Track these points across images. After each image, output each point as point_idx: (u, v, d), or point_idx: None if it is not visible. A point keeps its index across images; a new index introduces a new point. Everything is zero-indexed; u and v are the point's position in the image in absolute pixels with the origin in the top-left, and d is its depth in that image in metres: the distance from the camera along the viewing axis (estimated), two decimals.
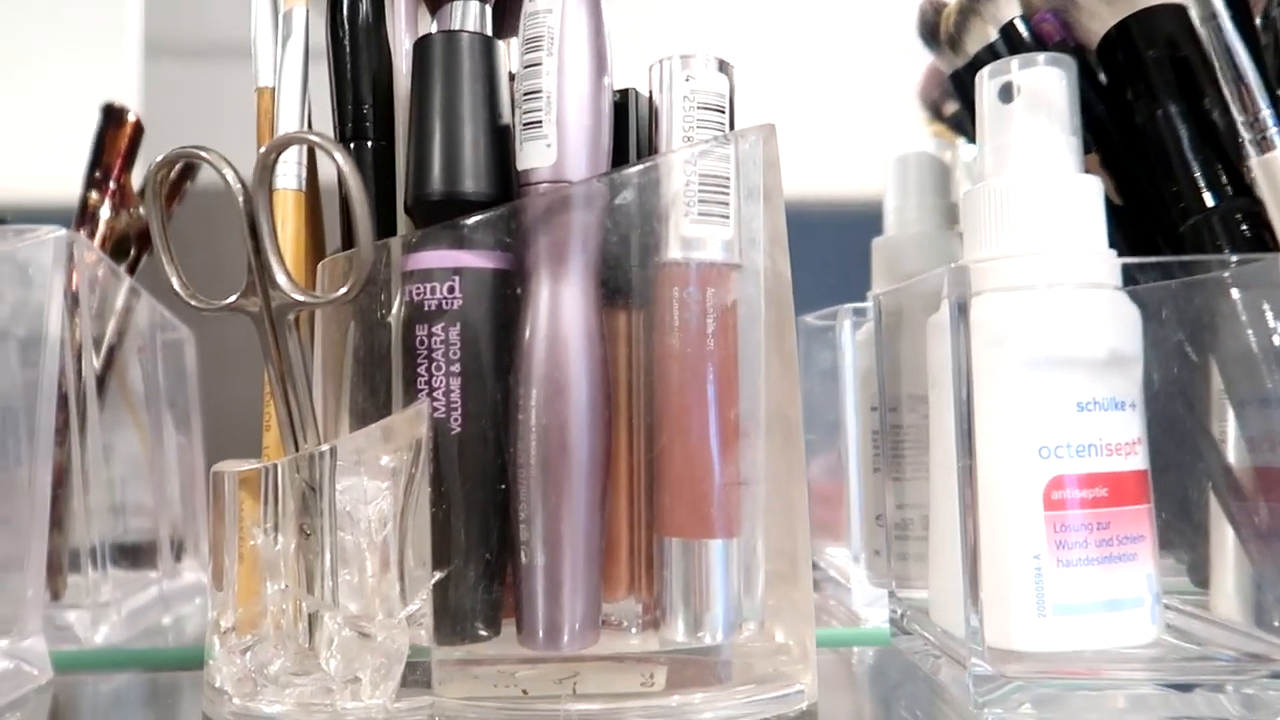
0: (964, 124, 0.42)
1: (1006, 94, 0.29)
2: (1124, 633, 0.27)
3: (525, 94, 0.27)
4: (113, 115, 0.41)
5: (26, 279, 0.31)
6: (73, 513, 0.36)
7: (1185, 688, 0.26)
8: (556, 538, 0.26)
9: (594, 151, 0.27)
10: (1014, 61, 0.29)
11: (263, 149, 0.25)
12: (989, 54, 0.35)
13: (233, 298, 0.26)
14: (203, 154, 0.25)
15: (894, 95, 0.50)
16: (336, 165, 0.24)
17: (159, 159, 0.25)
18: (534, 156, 0.26)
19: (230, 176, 0.25)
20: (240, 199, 0.25)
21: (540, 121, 0.26)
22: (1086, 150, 0.31)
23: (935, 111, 0.46)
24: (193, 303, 0.26)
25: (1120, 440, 0.28)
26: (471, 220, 0.26)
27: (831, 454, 0.42)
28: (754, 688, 0.27)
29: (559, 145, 0.26)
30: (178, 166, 0.42)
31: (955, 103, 0.42)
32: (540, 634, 0.26)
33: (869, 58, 0.54)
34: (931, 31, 0.37)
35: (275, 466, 0.26)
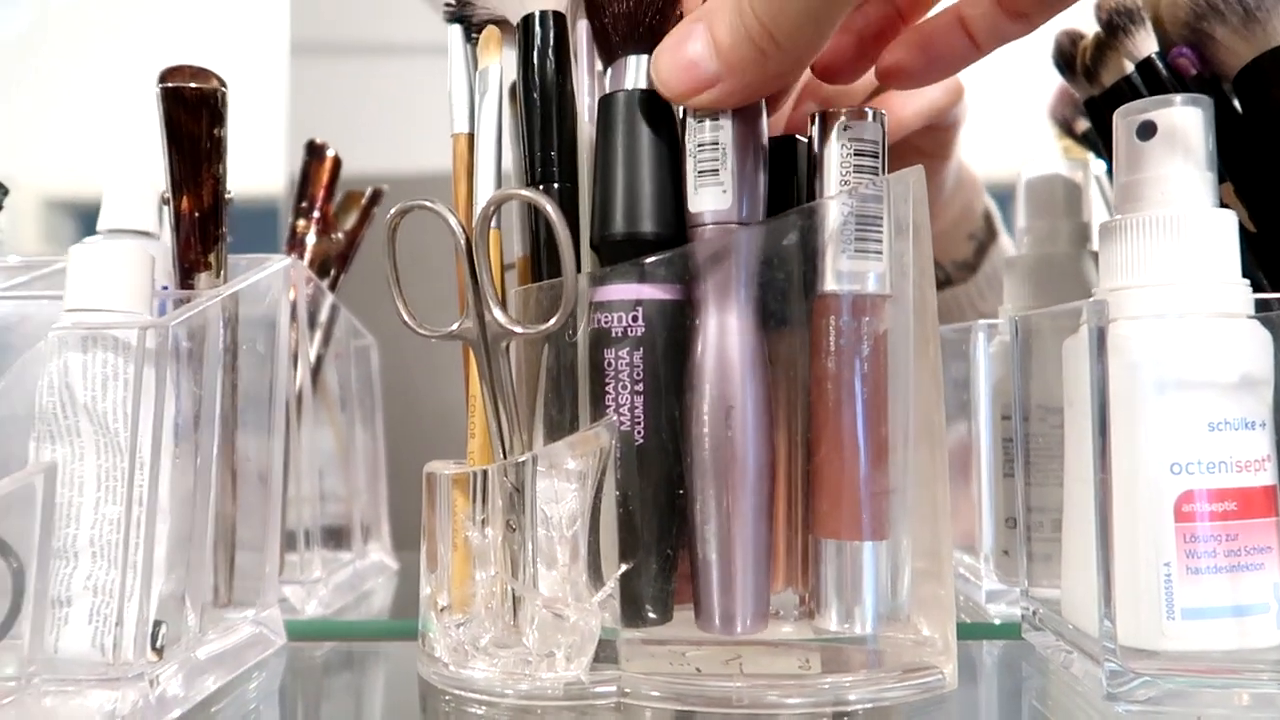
0: (1095, 142, 0.44)
1: (1144, 132, 0.31)
2: (1250, 636, 0.29)
3: (701, 145, 0.30)
4: (315, 151, 0.46)
5: (260, 300, 0.37)
6: (288, 501, 0.42)
7: None
8: (729, 537, 0.30)
9: (758, 195, 0.30)
10: (1152, 101, 0.31)
11: (484, 203, 0.29)
12: (1125, 85, 0.37)
13: (454, 326, 0.30)
14: (430, 205, 0.29)
15: (1026, 114, 0.52)
16: (547, 216, 0.28)
17: (393, 210, 0.29)
18: (710, 200, 0.30)
19: (454, 224, 0.29)
20: (462, 242, 0.29)
21: (717, 170, 0.30)
22: (1221, 180, 0.33)
23: (1066, 128, 0.48)
24: (420, 331, 0.30)
25: (1250, 458, 0.30)
26: (652, 259, 0.30)
27: (960, 460, 0.44)
28: (900, 674, 0.30)
29: (733, 191, 0.30)
30: (367, 195, 0.48)
31: (1086, 120, 0.44)
32: (716, 620, 0.30)
33: (1001, 77, 0.56)
34: (1068, 62, 0.39)
35: (485, 471, 0.31)
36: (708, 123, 0.30)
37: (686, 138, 0.31)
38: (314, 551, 0.42)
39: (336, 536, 0.46)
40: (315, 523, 0.43)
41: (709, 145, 0.30)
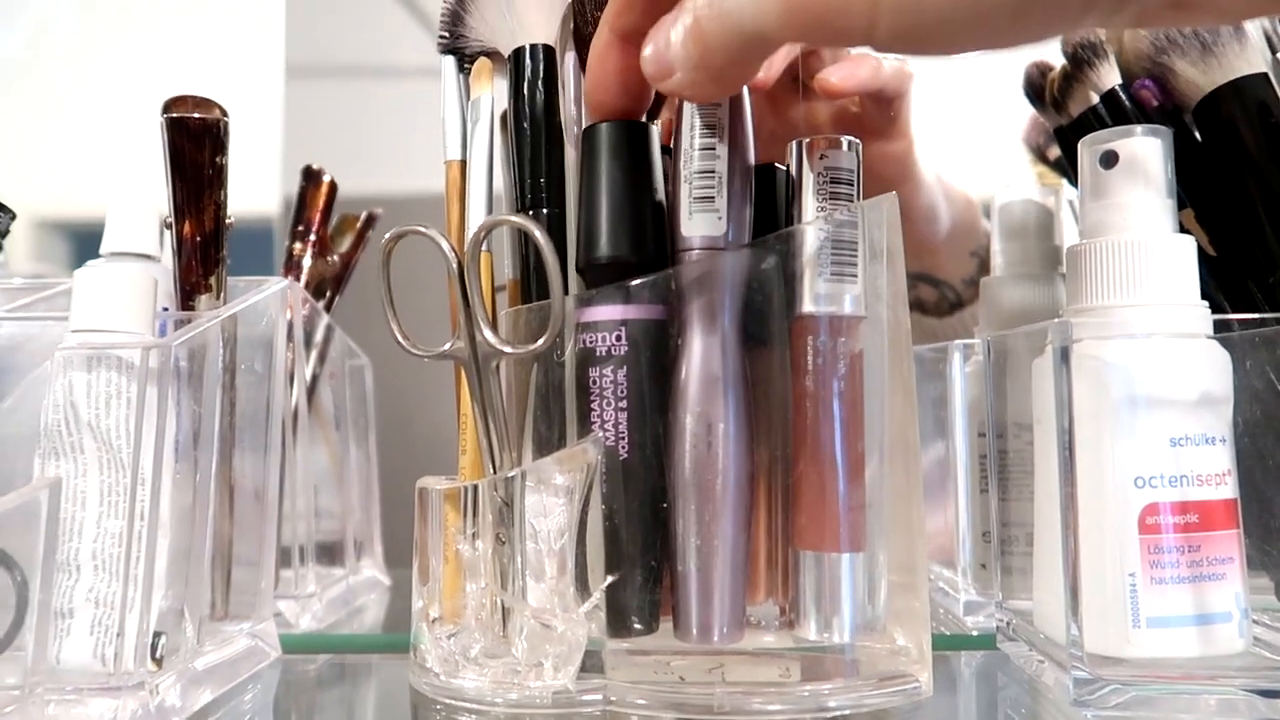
0: (1067, 168, 0.46)
1: (1107, 161, 0.33)
2: (1213, 644, 0.30)
3: (697, 172, 0.31)
4: (311, 176, 0.48)
5: (258, 320, 0.38)
6: (283, 517, 0.43)
7: (1272, 694, 0.29)
8: (709, 549, 0.31)
9: (745, 221, 0.32)
10: (1114, 131, 0.33)
11: (476, 229, 0.30)
12: (1091, 115, 0.38)
13: (446, 346, 0.31)
14: (423, 231, 0.30)
15: (999, 141, 0.54)
16: (536, 241, 0.29)
17: (388, 235, 0.31)
18: (703, 226, 0.31)
19: (447, 249, 0.30)
20: (454, 265, 0.30)
21: (713, 197, 0.31)
22: (1182, 206, 0.34)
23: (1039, 155, 0.49)
24: (414, 351, 0.31)
25: (1210, 471, 0.31)
26: (637, 281, 0.31)
27: (938, 476, 0.46)
28: (877, 682, 0.31)
29: (727, 217, 0.31)
30: (361, 218, 0.49)
31: (1058, 148, 0.45)
32: (694, 631, 0.31)
33: (974, 105, 0.57)
34: (1037, 92, 0.41)
35: (475, 486, 0.32)
36: (704, 151, 0.31)
37: (681, 164, 0.32)
38: (308, 567, 0.43)
39: (330, 552, 0.47)
40: (309, 539, 0.43)
41: (705, 173, 0.31)
